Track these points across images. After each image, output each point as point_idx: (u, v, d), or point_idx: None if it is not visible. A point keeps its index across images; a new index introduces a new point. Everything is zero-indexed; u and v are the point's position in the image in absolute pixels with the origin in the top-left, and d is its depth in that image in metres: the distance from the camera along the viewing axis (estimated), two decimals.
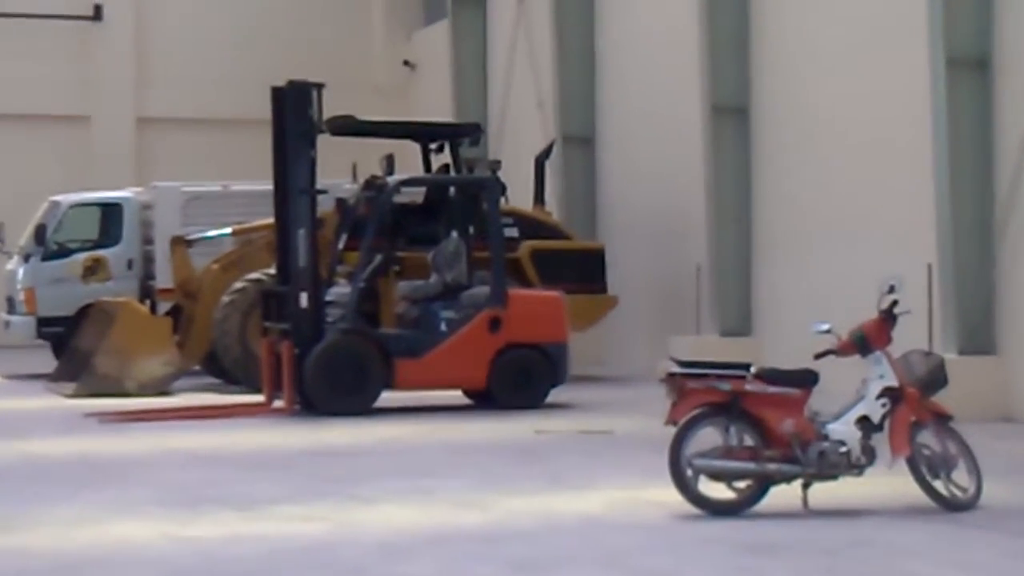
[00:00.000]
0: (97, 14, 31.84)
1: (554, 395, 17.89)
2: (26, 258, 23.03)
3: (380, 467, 12.72)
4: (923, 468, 10.21)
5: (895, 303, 10.36)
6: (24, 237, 23.48)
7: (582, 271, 21.35)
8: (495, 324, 17.43)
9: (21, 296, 22.95)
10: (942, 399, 10.48)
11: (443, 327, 17.44)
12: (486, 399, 17.64)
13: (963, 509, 10.14)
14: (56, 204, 23.52)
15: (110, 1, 31.99)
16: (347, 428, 15.61)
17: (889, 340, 10.34)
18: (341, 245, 18.35)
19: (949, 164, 16.34)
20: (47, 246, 22.95)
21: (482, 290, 17.76)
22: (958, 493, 10.21)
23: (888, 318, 10.33)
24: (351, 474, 12.24)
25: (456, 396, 17.98)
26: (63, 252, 23.06)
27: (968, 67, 16.39)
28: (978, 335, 16.29)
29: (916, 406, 10.21)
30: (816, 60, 19.52)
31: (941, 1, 16.22)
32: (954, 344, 16.23)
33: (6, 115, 31.00)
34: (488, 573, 8.28)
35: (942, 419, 10.33)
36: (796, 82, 20.01)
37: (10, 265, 23.59)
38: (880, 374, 10.23)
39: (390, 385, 17.20)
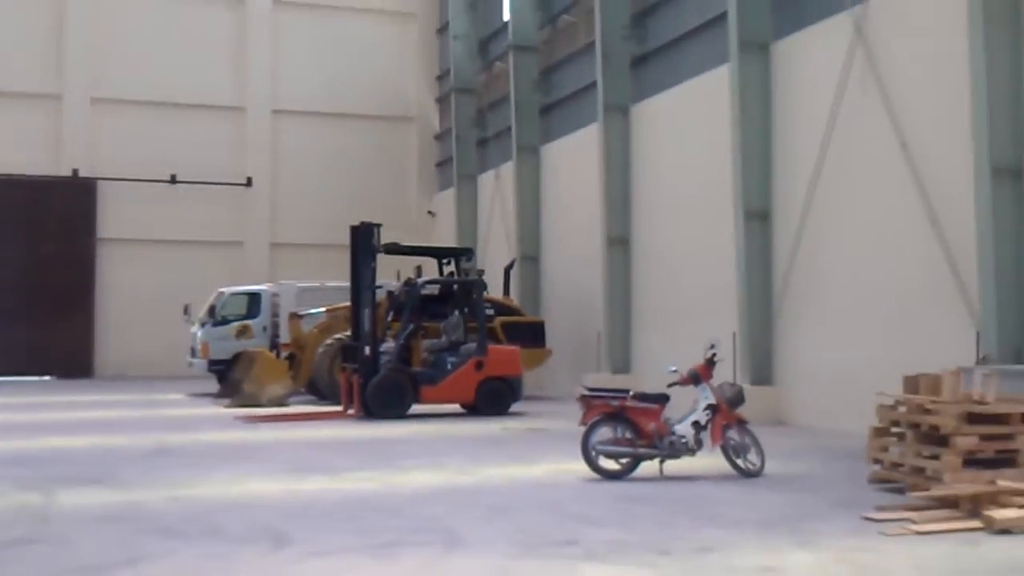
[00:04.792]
0: (248, 182, 31.72)
1: (514, 408, 17.81)
2: (203, 325, 22.93)
3: (411, 450, 12.59)
4: (730, 452, 10.18)
5: (714, 355, 10.39)
6: (202, 312, 23.44)
7: (531, 335, 21.19)
8: (479, 366, 17.37)
9: (200, 347, 22.78)
10: (742, 411, 10.47)
11: (449, 367, 17.37)
12: (474, 410, 17.51)
13: (754, 476, 10.10)
14: (221, 293, 23.47)
15: (256, 173, 31.81)
16: (391, 427, 15.47)
17: (711, 376, 10.34)
18: (390, 319, 18.28)
19: (746, 270, 16.38)
20: (216, 318, 22.83)
21: (472, 346, 17.71)
22: (751, 467, 10.17)
23: (710, 364, 10.35)
24: (394, 453, 12.12)
25: (456, 409, 17.83)
26: (225, 321, 22.86)
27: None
28: (762, 373, 16.28)
29: (726, 415, 10.20)
30: None
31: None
32: (748, 378, 16.23)
33: (190, 241, 30.68)
34: (475, 513, 8.19)
35: (742, 423, 10.31)
36: (664, 218, 19.98)
37: (193, 329, 23.47)
38: (705, 396, 10.22)
39: (417, 401, 17.07)
